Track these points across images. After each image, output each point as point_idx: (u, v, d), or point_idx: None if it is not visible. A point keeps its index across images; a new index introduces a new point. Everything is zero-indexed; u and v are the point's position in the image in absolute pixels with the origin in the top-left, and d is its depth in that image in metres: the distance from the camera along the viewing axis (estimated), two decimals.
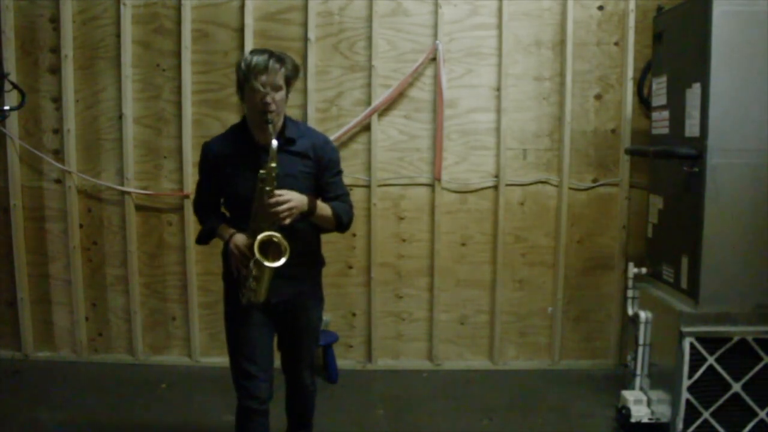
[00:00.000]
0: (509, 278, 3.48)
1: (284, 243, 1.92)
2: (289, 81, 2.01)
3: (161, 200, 3.46)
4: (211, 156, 2.10)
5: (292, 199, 1.93)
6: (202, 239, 2.20)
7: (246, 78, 1.95)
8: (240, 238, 2.00)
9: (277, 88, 1.96)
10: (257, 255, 1.91)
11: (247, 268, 1.96)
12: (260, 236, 1.92)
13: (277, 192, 1.91)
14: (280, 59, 1.97)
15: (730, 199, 2.50)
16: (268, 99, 1.93)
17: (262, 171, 1.90)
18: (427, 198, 3.44)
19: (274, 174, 1.90)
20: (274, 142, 1.91)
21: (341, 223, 2.13)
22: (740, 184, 2.51)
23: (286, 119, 2.08)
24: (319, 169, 2.10)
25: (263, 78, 1.92)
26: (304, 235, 2.09)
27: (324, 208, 2.08)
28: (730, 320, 2.52)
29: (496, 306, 3.47)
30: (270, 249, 1.93)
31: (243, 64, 1.97)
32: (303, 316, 2.19)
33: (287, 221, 1.92)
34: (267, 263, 1.91)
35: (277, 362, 2.18)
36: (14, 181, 3.44)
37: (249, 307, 2.01)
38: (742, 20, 2.45)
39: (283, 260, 1.91)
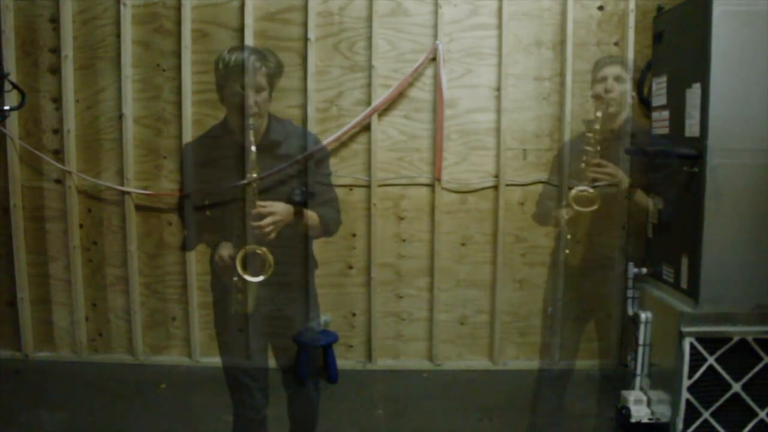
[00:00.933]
0: (509, 278, 3.48)
1: (269, 257, 1.80)
2: (272, 79, 1.85)
3: (161, 200, 3.46)
4: (193, 157, 1.98)
5: (276, 212, 1.80)
6: (187, 246, 2.13)
7: (224, 79, 1.80)
8: (224, 249, 1.88)
9: (259, 89, 1.80)
10: (239, 269, 1.81)
11: (232, 280, 1.86)
12: (243, 249, 1.81)
13: (260, 204, 1.79)
14: (262, 56, 1.81)
15: (730, 199, 2.50)
16: (250, 102, 1.78)
17: (243, 182, 1.78)
18: (427, 198, 3.44)
19: (255, 185, 1.78)
20: (253, 149, 1.77)
21: (328, 231, 2.02)
22: (740, 184, 2.50)
23: (271, 119, 1.93)
24: (308, 173, 1.97)
25: (243, 79, 1.77)
26: (295, 239, 1.97)
27: (311, 217, 1.94)
28: (730, 320, 2.51)
29: (496, 306, 3.47)
30: (257, 259, 1.83)
31: (221, 64, 1.80)
32: (298, 323, 2.09)
33: (271, 236, 1.80)
34: (248, 278, 1.81)
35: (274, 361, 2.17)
36: (14, 181, 3.44)
37: (239, 316, 1.92)
38: (742, 20, 2.44)
39: (262, 277, 1.81)
